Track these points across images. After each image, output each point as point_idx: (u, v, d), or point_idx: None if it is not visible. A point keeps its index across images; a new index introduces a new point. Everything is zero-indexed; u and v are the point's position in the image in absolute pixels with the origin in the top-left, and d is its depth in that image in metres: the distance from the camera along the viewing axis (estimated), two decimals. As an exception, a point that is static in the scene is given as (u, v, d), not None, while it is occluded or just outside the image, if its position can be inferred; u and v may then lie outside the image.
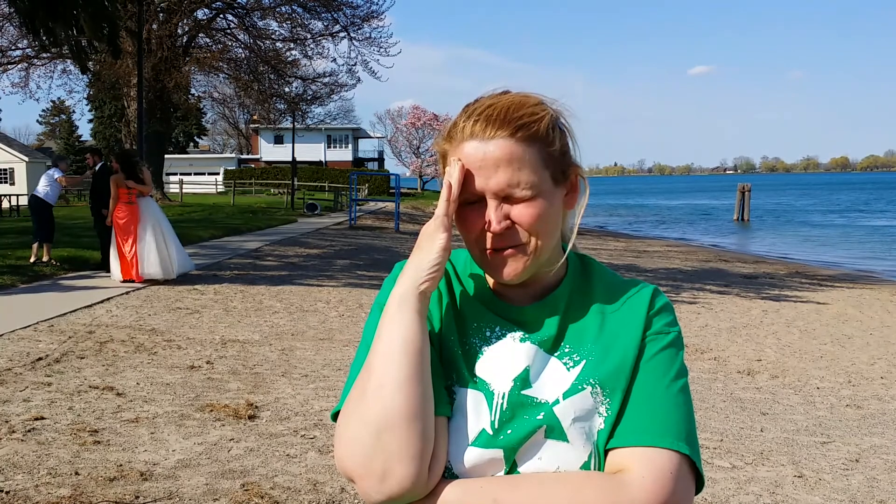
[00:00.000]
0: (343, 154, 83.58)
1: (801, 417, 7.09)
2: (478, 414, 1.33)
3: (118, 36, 16.88)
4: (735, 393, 7.95)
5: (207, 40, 38.42)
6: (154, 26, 34.15)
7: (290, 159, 52.56)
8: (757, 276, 20.87)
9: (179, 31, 36.13)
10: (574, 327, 1.40)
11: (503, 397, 1.34)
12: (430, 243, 1.34)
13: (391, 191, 60.28)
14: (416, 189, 78.73)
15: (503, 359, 1.37)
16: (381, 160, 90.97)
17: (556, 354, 1.38)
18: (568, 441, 1.32)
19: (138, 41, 22.18)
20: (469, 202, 1.36)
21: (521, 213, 1.33)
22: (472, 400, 1.34)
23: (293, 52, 37.62)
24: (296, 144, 48.74)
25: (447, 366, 1.37)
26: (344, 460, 1.27)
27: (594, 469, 1.32)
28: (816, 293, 17.67)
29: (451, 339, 1.39)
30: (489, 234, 1.34)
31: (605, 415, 1.33)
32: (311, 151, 79.48)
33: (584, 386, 1.34)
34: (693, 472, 1.31)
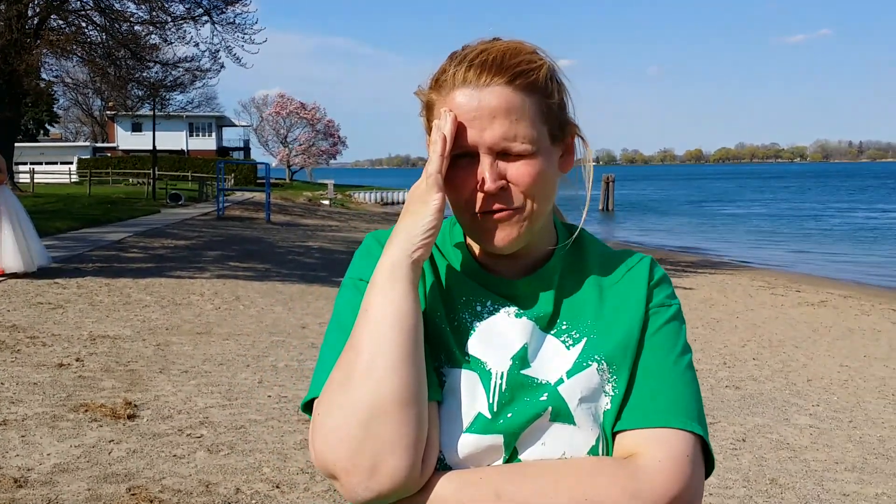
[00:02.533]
0: (206, 143, 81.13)
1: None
2: (473, 397, 1.19)
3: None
4: (620, 377, 8.08)
5: (60, 22, 36.43)
6: (1, 7, 32.09)
7: (149, 148, 50.61)
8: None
9: (30, 11, 34.11)
10: (570, 302, 1.27)
11: (502, 377, 1.19)
12: (423, 206, 1.18)
13: (258, 181, 59.02)
14: (285, 179, 77.37)
15: (498, 336, 1.23)
16: (247, 149, 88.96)
17: (552, 332, 1.25)
18: (575, 424, 1.19)
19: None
20: (459, 157, 1.20)
21: (519, 171, 1.18)
22: (466, 381, 1.20)
23: (153, 36, 36.10)
24: (156, 132, 46.95)
25: (434, 345, 1.21)
26: (325, 454, 1.09)
27: (602, 453, 1.20)
28: (682, 279, 18.34)
29: (437, 316, 1.23)
30: (480, 195, 1.19)
31: (612, 394, 1.21)
32: (172, 140, 76.76)
33: (590, 363, 1.21)
34: (705, 454, 1.20)
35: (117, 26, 35.55)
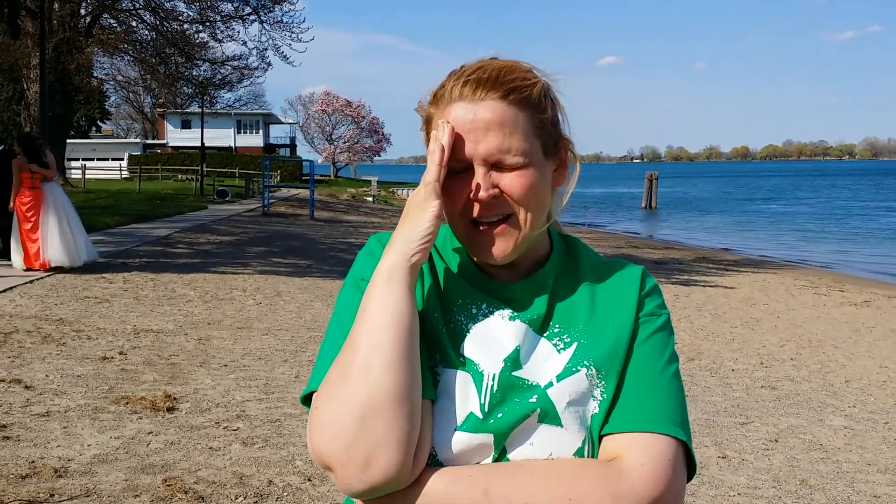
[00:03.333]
0: (254, 140, 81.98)
1: (720, 399, 7.24)
2: (465, 397, 1.25)
3: (18, 15, 16.12)
4: (654, 376, 8.07)
5: (112, 21, 37.09)
6: (55, 6, 32.78)
7: (198, 145, 51.30)
8: (666, 262, 21.36)
9: (82, 10, 34.79)
10: (562, 307, 1.33)
11: (493, 379, 1.25)
12: (420, 212, 1.24)
13: (304, 177, 59.49)
14: (330, 176, 77.91)
15: (492, 338, 1.29)
16: (293, 146, 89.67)
17: (545, 335, 1.31)
18: (562, 426, 1.24)
19: (41, 21, 21.24)
20: (454, 172, 1.27)
21: (512, 182, 1.25)
22: (460, 382, 1.26)
23: (201, 35, 36.57)
24: (204, 129, 47.59)
25: (430, 345, 1.27)
26: (321, 447, 1.16)
27: (588, 455, 1.25)
28: (723, 278, 18.18)
29: (434, 317, 1.30)
30: (475, 205, 1.26)
31: (600, 398, 1.27)
32: (220, 137, 77.69)
33: (579, 368, 1.27)
34: (687, 459, 1.26)
35: (167, 25, 36.11)
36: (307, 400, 1.26)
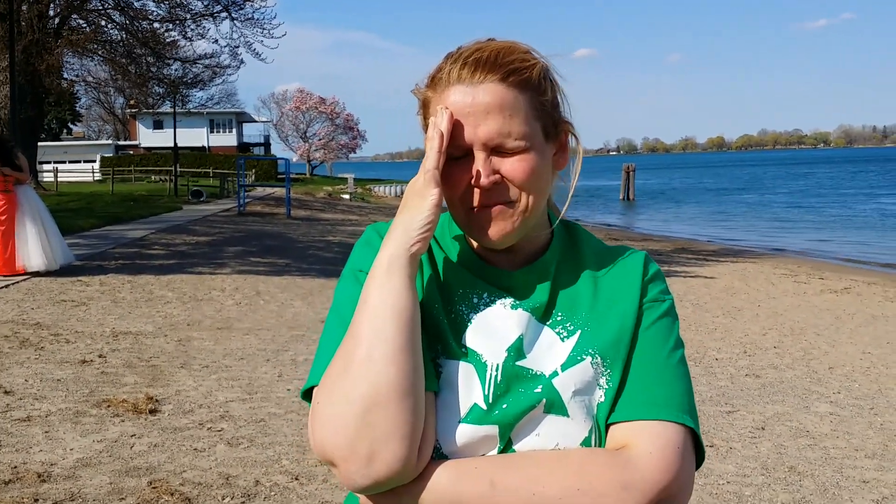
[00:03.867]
0: (227, 139, 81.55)
1: (705, 388, 7.24)
2: (469, 388, 1.21)
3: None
4: (639, 367, 8.06)
5: (81, 21, 36.68)
6: (24, 7, 32.34)
7: (171, 145, 50.88)
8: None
9: (51, 11, 34.37)
10: (565, 294, 1.30)
11: (497, 369, 1.22)
12: (420, 200, 1.20)
13: (279, 176, 59.24)
14: (305, 174, 77.59)
15: (494, 327, 1.25)
16: (267, 145, 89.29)
17: (548, 323, 1.27)
18: (568, 416, 1.21)
19: (8, 23, 20.92)
20: (453, 157, 1.22)
21: (513, 167, 1.21)
22: (463, 373, 1.22)
23: (172, 33, 36.27)
24: (177, 129, 47.22)
25: (432, 336, 1.24)
26: (324, 442, 1.12)
27: (595, 445, 1.22)
28: (703, 268, 18.27)
29: (435, 308, 1.26)
30: (476, 191, 1.22)
31: (606, 387, 1.24)
32: (193, 137, 77.23)
33: (584, 356, 1.24)
34: (695, 446, 1.23)
35: (137, 24, 35.75)
36: (308, 395, 1.22)
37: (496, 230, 1.23)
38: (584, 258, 1.34)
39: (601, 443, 1.23)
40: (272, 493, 4.46)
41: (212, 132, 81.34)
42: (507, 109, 1.19)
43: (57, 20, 35.60)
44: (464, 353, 1.24)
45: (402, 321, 1.14)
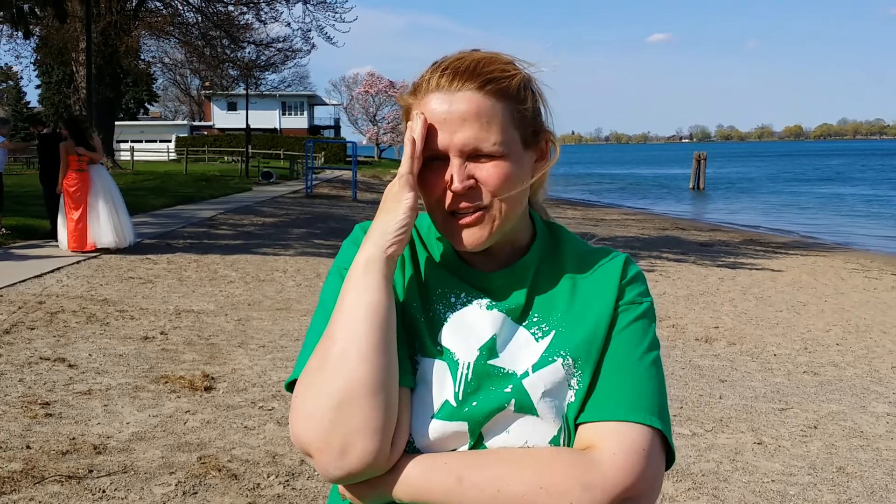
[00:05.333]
0: (298, 121, 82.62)
1: (759, 384, 7.14)
2: (442, 385, 1.26)
3: (64, -1, 16.36)
4: (693, 360, 7.99)
5: (158, 3, 37.51)
6: (102, -11, 33.18)
7: (243, 126, 51.73)
8: (712, 244, 21.08)
9: (129, -7, 35.22)
10: (543, 296, 1.33)
11: (468, 367, 1.27)
12: (396, 204, 1.25)
13: (347, 159, 59.76)
14: (373, 157, 78.20)
15: (469, 327, 1.30)
16: (337, 128, 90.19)
17: (524, 324, 1.31)
18: (538, 415, 1.25)
19: (86, 4, 21.54)
20: (432, 160, 1.27)
21: (487, 172, 1.24)
22: (437, 370, 1.27)
23: (246, 17, 36.87)
24: (250, 111, 48.02)
25: (410, 334, 1.29)
26: (301, 434, 1.19)
27: (564, 444, 1.26)
28: (771, 260, 17.90)
29: (413, 306, 1.32)
30: (449, 195, 1.26)
31: (576, 388, 1.27)
32: (265, 118, 78.41)
33: (555, 358, 1.28)
34: (664, 447, 1.26)
35: (212, 7, 36.41)
36: (291, 387, 1.28)
37: (468, 236, 1.27)
38: (565, 260, 1.37)
39: (570, 442, 1.26)
40: (315, 473, 4.56)
41: (283, 114, 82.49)
42: (484, 117, 1.23)
43: (135, 2, 36.47)
44: (439, 351, 1.29)
45: (376, 320, 1.19)
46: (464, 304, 1.32)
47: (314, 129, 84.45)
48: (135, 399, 5.70)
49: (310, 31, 36.74)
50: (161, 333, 7.67)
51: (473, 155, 1.24)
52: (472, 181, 1.24)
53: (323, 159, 57.94)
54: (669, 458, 1.27)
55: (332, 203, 28.86)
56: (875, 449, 5.59)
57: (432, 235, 1.39)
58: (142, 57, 43.07)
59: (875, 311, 12.02)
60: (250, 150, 47.93)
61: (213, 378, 6.27)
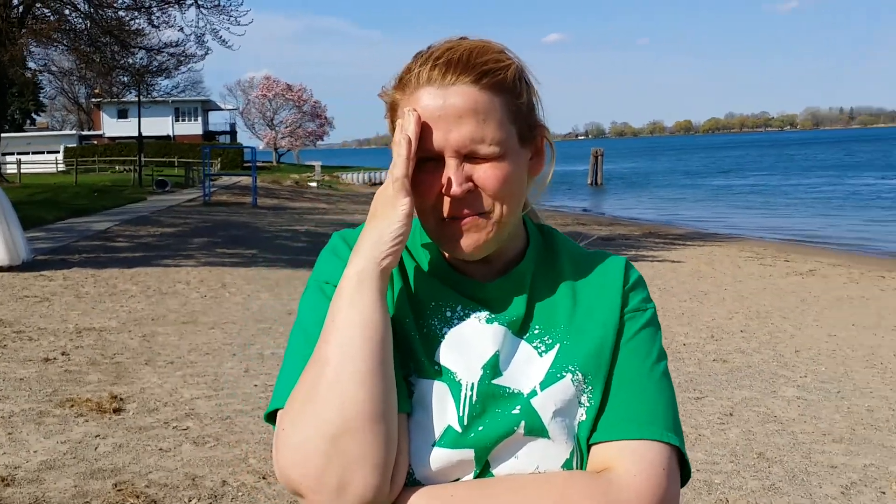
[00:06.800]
0: (192, 128, 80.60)
1: (673, 374, 7.23)
2: (443, 408, 1.16)
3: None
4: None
5: (45, 10, 36.00)
6: (-18, -5, 31.64)
7: (135, 134, 50.21)
8: (614, 238, 21.52)
9: (14, 0, 33.70)
10: (543, 306, 1.24)
11: (472, 388, 1.16)
12: (391, 210, 1.13)
13: (245, 164, 58.74)
14: (272, 162, 76.98)
15: (468, 343, 1.19)
16: (233, 133, 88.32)
17: (525, 337, 1.21)
18: (549, 437, 1.16)
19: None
20: (423, 161, 1.16)
21: (487, 174, 1.14)
22: (436, 392, 1.16)
23: (137, 21, 35.72)
24: (142, 119, 46.64)
25: (403, 353, 1.17)
26: (290, 471, 1.06)
27: (577, 467, 1.17)
28: (670, 252, 18.38)
29: (406, 322, 1.20)
30: (447, 199, 1.15)
31: (588, 405, 1.18)
32: (157, 125, 76.22)
33: (564, 373, 1.18)
34: (680, 463, 1.18)
35: (101, 13, 35.15)
36: (271, 417, 1.16)
37: (469, 242, 1.16)
38: (562, 266, 1.28)
39: (583, 464, 1.18)
40: (239, 494, 4.40)
41: (177, 121, 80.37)
42: (481, 113, 1.13)
43: (20, 9, 34.91)
44: (437, 371, 1.18)
45: (372, 341, 1.08)
46: (461, 318, 1.21)
47: (209, 135, 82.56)
48: (40, 425, 5.40)
49: (203, 35, 35.81)
50: (62, 354, 7.31)
51: (470, 155, 1.14)
52: (470, 184, 1.14)
53: (219, 165, 56.76)
54: (684, 474, 1.19)
55: (232, 210, 28.25)
56: (790, 433, 5.75)
57: (417, 242, 1.28)
58: (28, 66, 41.28)
59: (772, 297, 12.45)
60: (143, 159, 46.55)
61: (121, 399, 6.00)
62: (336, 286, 1.15)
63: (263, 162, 70.30)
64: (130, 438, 5.21)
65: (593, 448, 1.18)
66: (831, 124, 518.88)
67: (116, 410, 5.73)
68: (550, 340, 1.21)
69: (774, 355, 8.32)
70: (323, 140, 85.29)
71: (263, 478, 4.60)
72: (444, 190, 1.14)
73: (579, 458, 1.18)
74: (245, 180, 41.68)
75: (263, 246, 17.61)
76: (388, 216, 1.13)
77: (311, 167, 62.09)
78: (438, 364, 1.18)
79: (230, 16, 34.64)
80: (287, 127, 78.99)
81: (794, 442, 5.57)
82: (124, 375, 6.68)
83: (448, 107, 1.13)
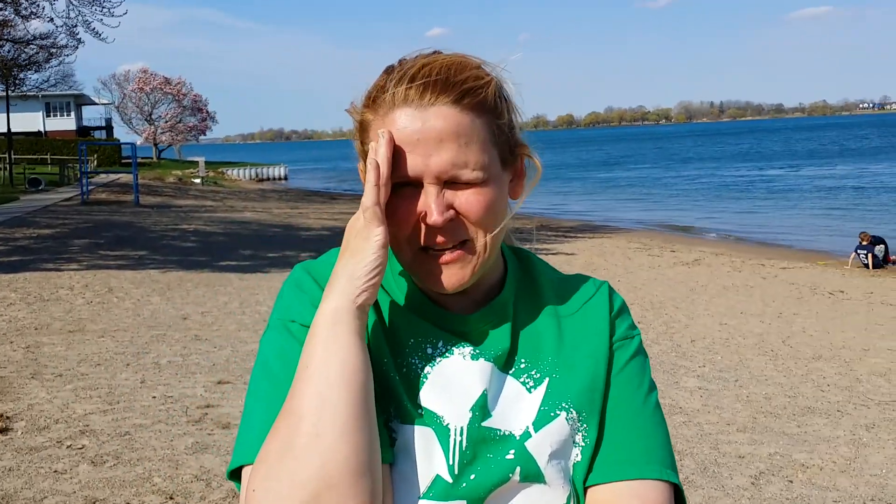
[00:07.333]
0: (65, 123, 77.20)
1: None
2: (429, 456, 1.05)
3: None
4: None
5: None
6: None
7: (3, 130, 47.76)
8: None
9: None
10: (527, 337, 1.14)
11: (461, 433, 1.06)
12: (364, 242, 1.01)
13: (124, 161, 56.75)
14: (153, 158, 74.60)
15: (453, 382, 1.08)
16: (109, 128, 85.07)
17: (511, 372, 1.11)
18: (545, 482, 1.07)
19: None
20: (400, 186, 1.04)
21: (469, 200, 1.03)
22: (421, 439, 1.05)
23: (3, 12, 33.93)
24: (10, 114, 44.38)
25: (382, 397, 1.05)
26: None
27: None
28: (563, 244, 18.67)
29: (384, 363, 1.08)
30: (424, 228, 1.04)
31: (583, 444, 1.10)
32: (27, 121, 72.69)
33: (558, 412, 1.09)
34: (677, 499, 1.11)
35: (-39, 2, 33.24)
36: (236, 475, 1.02)
37: (450, 276, 1.06)
38: (543, 292, 1.18)
39: None
40: (145, 516, 4.15)
41: (48, 116, 76.84)
42: (463, 137, 1.02)
43: None
44: (420, 414, 1.06)
45: (352, 387, 0.96)
46: (442, 355, 1.10)
47: (83, 131, 79.27)
48: (-85, 452, 4.98)
49: (75, 26, 34.32)
50: (-63, 370, 6.80)
51: (451, 181, 1.03)
52: (451, 212, 1.03)
53: (96, 162, 54.61)
54: None
55: (114, 209, 27.16)
56: (697, 424, 5.86)
57: (391, 273, 1.16)
58: None
59: (663, 287, 12.80)
60: (13, 156, 44.30)
61: (7, 417, 5.61)
62: (304, 325, 1.04)
63: (143, 158, 68.00)
64: (21, 461, 4.86)
65: (590, 490, 1.10)
66: (703, 117, 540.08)
67: (2, 430, 5.36)
68: (538, 375, 1.12)
69: (672, 345, 8.52)
70: (205, 135, 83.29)
71: (170, 497, 4.36)
72: (422, 218, 1.04)
73: (575, 501, 1.10)
74: (125, 177, 40.31)
75: (151, 246, 16.98)
76: (361, 249, 1.02)
77: (195, 163, 60.42)
78: (422, 407, 1.07)
79: (103, 6, 33.30)
80: (167, 122, 76.67)
81: (702, 433, 5.68)
82: (9, 391, 6.25)
83: (428, 130, 1.02)
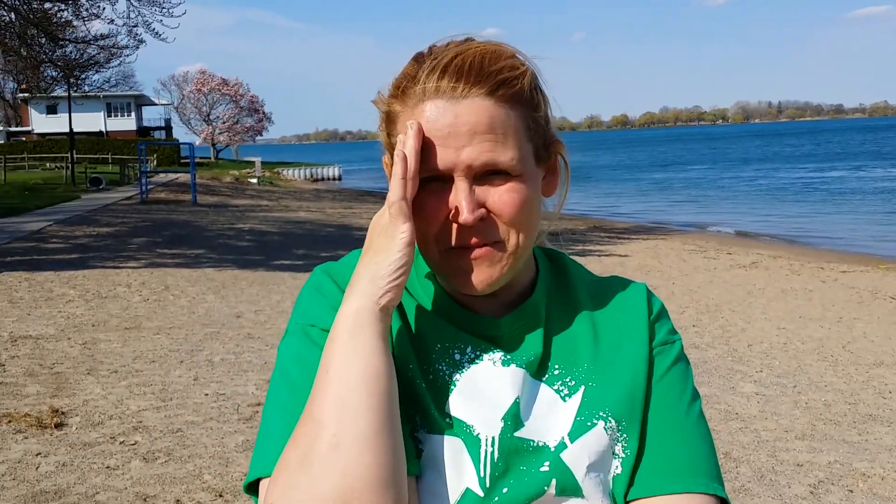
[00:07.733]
0: (126, 123, 78.84)
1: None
2: (459, 468, 0.99)
3: None
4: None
5: (-35, 3, 34.77)
6: None
7: (66, 130, 48.87)
8: (559, 233, 21.36)
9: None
10: (561, 342, 1.08)
11: (492, 444, 1.01)
12: (389, 240, 0.97)
13: (182, 161, 57.69)
14: (210, 158, 75.80)
15: (484, 390, 1.03)
16: (168, 129, 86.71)
17: (544, 379, 1.06)
18: (583, 496, 1.01)
19: None
20: (428, 181, 1.00)
21: (501, 199, 0.99)
22: (449, 450, 1.00)
23: (64, 13, 34.72)
24: (72, 114, 45.41)
25: (408, 405, 1.00)
26: None
27: None
28: (617, 246, 18.46)
29: (409, 368, 1.03)
30: (455, 227, 0.99)
31: (623, 455, 1.04)
32: (89, 121, 74.39)
33: (595, 421, 1.04)
34: None
35: (27, 5, 34.08)
36: (252, 488, 0.98)
37: (480, 277, 1.01)
38: (577, 295, 1.13)
39: None
40: (195, 514, 4.17)
41: (109, 116, 78.55)
42: (498, 130, 0.98)
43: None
44: (448, 424, 1.02)
45: (376, 394, 0.91)
46: (472, 361, 1.05)
47: (143, 131, 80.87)
48: (-25, 445, 5.08)
49: (135, 27, 34.94)
50: (-3, 365, 6.95)
51: (483, 177, 0.99)
52: (483, 210, 0.99)
53: (156, 162, 55.62)
54: None
55: (172, 208, 27.62)
56: (753, 430, 5.71)
57: (417, 274, 1.12)
58: (-50, 60, 39.94)
59: (720, 290, 12.54)
60: (75, 156, 45.32)
61: (63, 413, 5.70)
62: (324, 330, 0.99)
63: (201, 158, 69.11)
64: (74, 456, 4.92)
65: None
66: (761, 118, 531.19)
67: (58, 425, 5.44)
68: (573, 382, 1.07)
69: (728, 350, 8.33)
70: (262, 135, 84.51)
71: (220, 495, 4.38)
72: (452, 216, 0.99)
73: None
74: (183, 177, 40.95)
75: (207, 245, 17.20)
76: (385, 247, 0.97)
77: (251, 163, 61.27)
78: (450, 416, 1.02)
79: (162, 7, 33.84)
80: (224, 122, 77.87)
81: (759, 440, 5.53)
82: (65, 387, 6.36)
83: (460, 123, 0.97)
